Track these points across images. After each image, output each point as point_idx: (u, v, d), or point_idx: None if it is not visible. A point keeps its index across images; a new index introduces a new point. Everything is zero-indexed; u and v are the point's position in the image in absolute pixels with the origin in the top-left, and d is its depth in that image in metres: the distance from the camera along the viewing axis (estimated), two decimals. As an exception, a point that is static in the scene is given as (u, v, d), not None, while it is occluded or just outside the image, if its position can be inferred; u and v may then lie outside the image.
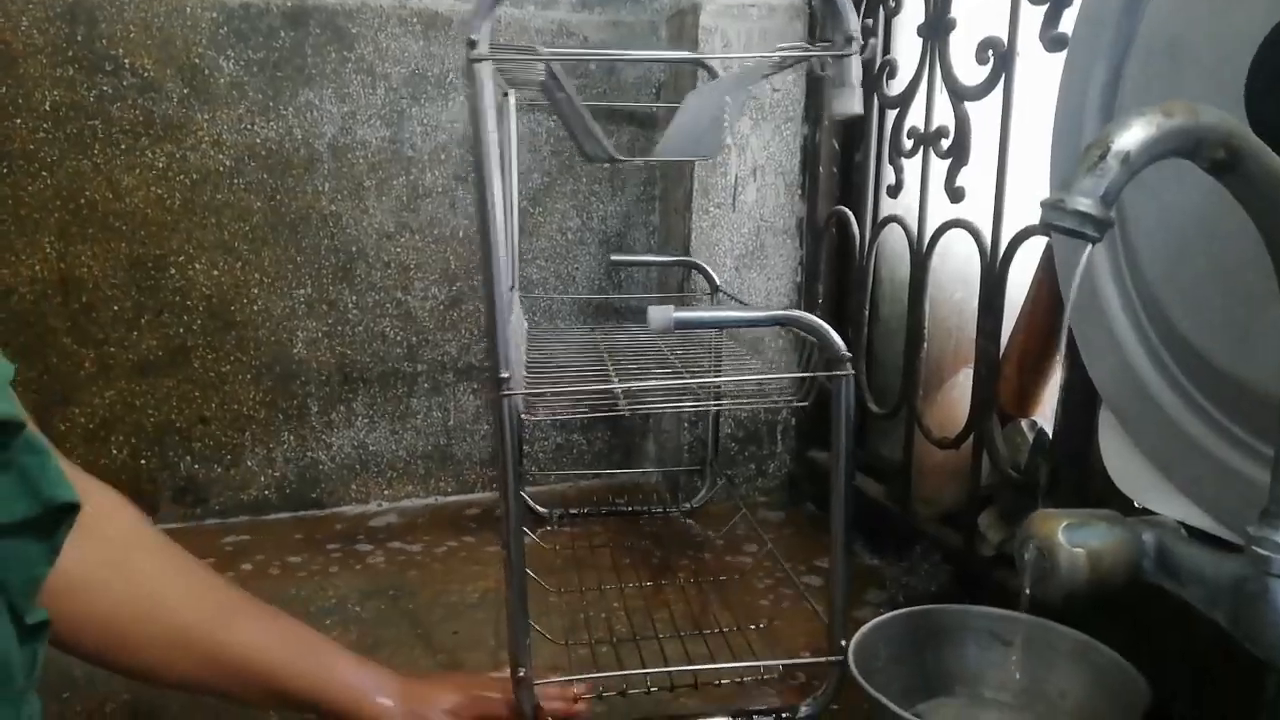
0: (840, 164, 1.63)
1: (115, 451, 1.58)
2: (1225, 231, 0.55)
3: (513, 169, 1.59)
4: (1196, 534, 0.62)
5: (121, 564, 0.78)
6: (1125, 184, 0.43)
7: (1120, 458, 0.70)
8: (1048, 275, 1.14)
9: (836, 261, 1.67)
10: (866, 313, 1.52)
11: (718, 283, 1.60)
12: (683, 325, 0.95)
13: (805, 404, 1.01)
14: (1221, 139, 0.44)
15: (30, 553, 0.55)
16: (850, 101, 0.88)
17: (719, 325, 1.24)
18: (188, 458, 1.62)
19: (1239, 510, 0.61)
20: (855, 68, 0.87)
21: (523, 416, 0.97)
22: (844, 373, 0.95)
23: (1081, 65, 0.74)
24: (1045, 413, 1.25)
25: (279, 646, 0.84)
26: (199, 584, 0.84)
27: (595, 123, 1.00)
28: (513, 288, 1.58)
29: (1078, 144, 0.74)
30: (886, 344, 1.61)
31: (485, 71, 0.88)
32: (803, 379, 0.98)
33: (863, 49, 0.88)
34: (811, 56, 0.91)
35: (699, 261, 1.62)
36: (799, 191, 1.68)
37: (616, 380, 1.12)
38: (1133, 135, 0.43)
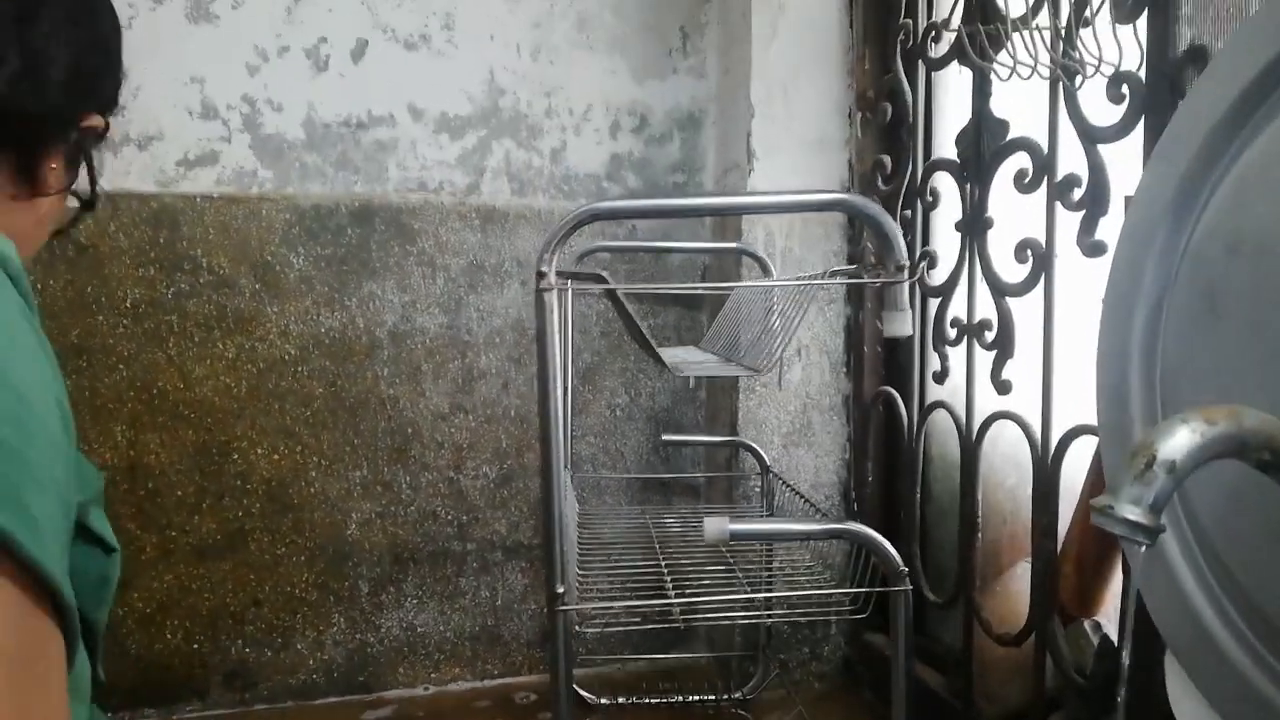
0: (884, 344, 1.66)
1: (169, 636, 1.60)
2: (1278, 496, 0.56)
3: (568, 353, 1.64)
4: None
5: None
6: (1173, 491, 0.44)
7: (1188, 707, 0.68)
8: (1101, 474, 1.13)
9: (884, 438, 1.67)
10: (918, 495, 1.50)
11: (768, 462, 1.61)
12: (737, 538, 0.95)
13: (864, 615, 0.99)
14: (1264, 442, 0.45)
15: None
16: (903, 324, 0.91)
17: (773, 539, 1.23)
18: (239, 641, 1.63)
19: (1323, 780, 0.58)
20: (905, 293, 0.90)
21: (577, 629, 0.97)
22: (902, 588, 0.94)
23: (1123, 305, 0.76)
24: (1108, 612, 1.21)
25: None
26: None
27: (652, 341, 1.04)
28: (565, 468, 1.60)
29: (1123, 390, 0.75)
30: (939, 522, 1.59)
31: (554, 299, 0.92)
32: (862, 592, 0.97)
33: (913, 273, 0.91)
34: (864, 283, 0.94)
35: (748, 441, 1.63)
36: (844, 370, 1.70)
37: (669, 580, 1.12)
38: (1178, 444, 0.44)
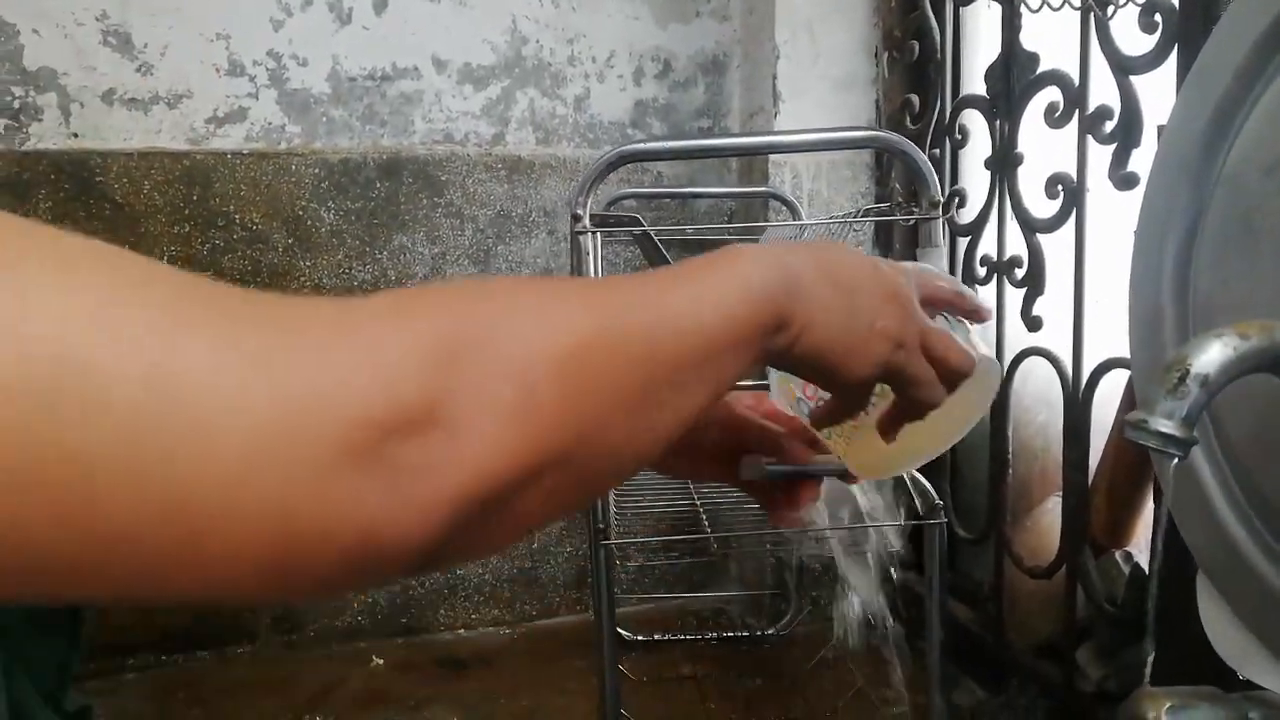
0: (913, 285, 1.65)
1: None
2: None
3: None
4: (1308, 710, 0.61)
5: None
6: (1206, 404, 0.45)
7: (1220, 624, 0.69)
8: (1133, 404, 1.13)
9: (914, 380, 1.68)
10: (947, 434, 1.51)
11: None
12: (774, 477, 0.97)
13: (897, 550, 1.02)
14: (1299, 356, 0.46)
15: (56, 647, 0.60)
16: (938, 261, 0.91)
17: (809, 475, 1.25)
18: (286, 587, 1.68)
19: (1351, 688, 0.60)
20: (940, 229, 0.91)
21: (618, 564, 1.00)
22: (937, 521, 0.96)
23: (1156, 232, 0.76)
24: (1140, 543, 1.23)
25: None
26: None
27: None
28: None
29: (1155, 317, 0.75)
30: (970, 459, 1.61)
31: (589, 242, 0.93)
32: (896, 526, 0.99)
33: (946, 209, 0.92)
34: (898, 220, 0.94)
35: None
36: (873, 312, 1.70)
37: (705, 518, 1.14)
38: (1210, 358, 0.45)
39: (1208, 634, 0.71)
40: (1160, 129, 1.04)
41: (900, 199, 1.59)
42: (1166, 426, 0.45)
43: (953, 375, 0.55)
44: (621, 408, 0.37)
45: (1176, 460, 0.46)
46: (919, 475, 0.99)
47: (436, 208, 1.68)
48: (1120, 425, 1.19)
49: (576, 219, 0.92)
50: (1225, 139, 0.69)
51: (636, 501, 1.29)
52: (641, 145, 0.92)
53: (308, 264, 1.64)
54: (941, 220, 0.90)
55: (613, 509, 1.06)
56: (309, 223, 1.63)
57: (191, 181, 1.59)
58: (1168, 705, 0.60)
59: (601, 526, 0.97)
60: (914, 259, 1.06)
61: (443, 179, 1.68)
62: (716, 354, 0.42)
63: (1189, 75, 0.74)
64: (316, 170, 1.63)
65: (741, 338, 0.43)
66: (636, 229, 0.95)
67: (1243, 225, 0.65)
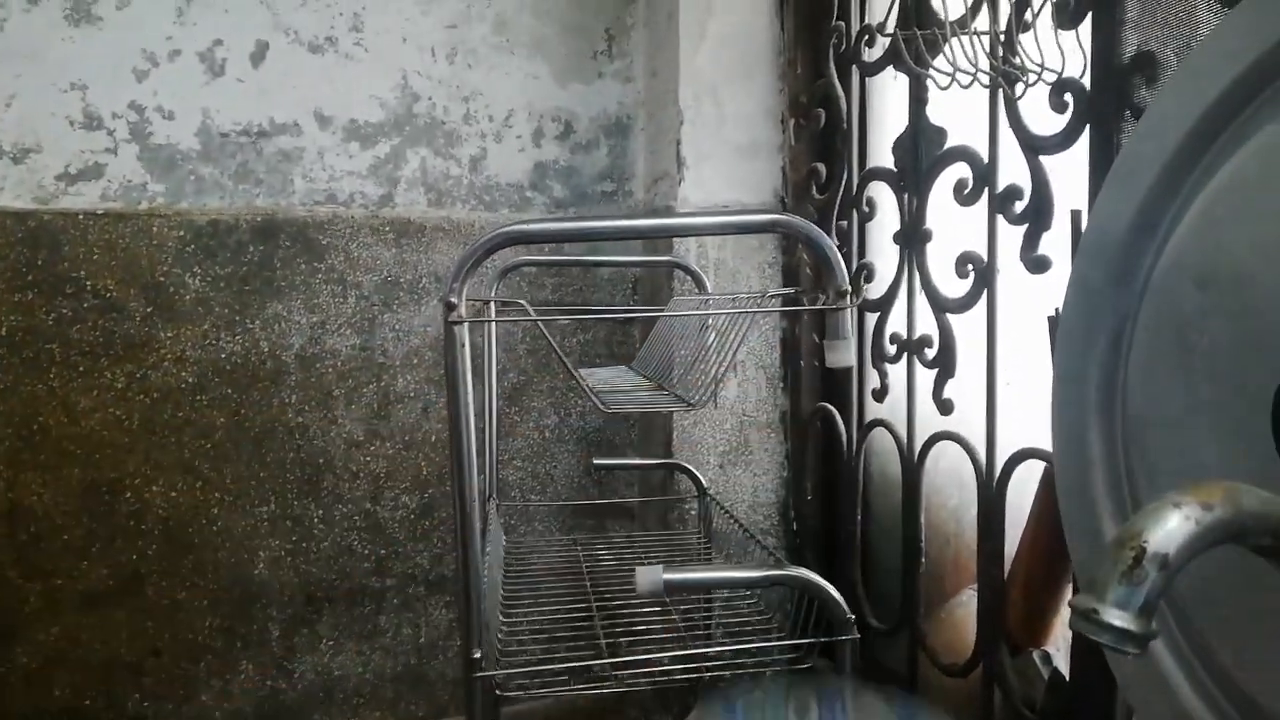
0: (822, 360, 1.59)
1: (58, 693, 1.46)
2: (1266, 576, 0.50)
3: (492, 374, 1.53)
4: None
5: None
6: (1166, 588, 0.37)
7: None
8: (1050, 497, 1.07)
9: (823, 456, 1.61)
10: (859, 515, 1.44)
11: (705, 485, 1.53)
12: (673, 589, 0.88)
13: (807, 666, 0.93)
14: (1266, 527, 0.39)
15: None
16: (845, 354, 0.84)
17: (711, 587, 1.16)
18: (136, 695, 1.50)
19: None
20: (848, 321, 0.84)
21: (499, 694, 0.88)
22: (848, 637, 0.88)
23: (1079, 333, 0.70)
24: (1058, 642, 1.17)
25: None
26: None
27: (579, 371, 0.95)
28: (491, 498, 1.51)
29: (1080, 417, 0.69)
30: (880, 542, 1.54)
31: (464, 333, 0.83)
32: (803, 642, 0.90)
33: (855, 297, 0.84)
34: (805, 310, 0.87)
35: (684, 464, 1.55)
36: (781, 385, 1.64)
37: (602, 634, 1.04)
38: (1170, 535, 0.37)
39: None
40: (1074, 213, 1.00)
41: (809, 270, 1.54)
42: (1121, 620, 0.37)
43: None
44: None
45: (1133, 658, 0.38)
46: (825, 584, 0.90)
47: (316, 273, 1.55)
48: (1037, 516, 1.13)
49: (450, 307, 0.81)
50: (1153, 239, 0.63)
51: (528, 604, 1.17)
52: (524, 226, 0.83)
53: (169, 335, 1.49)
54: (850, 310, 0.83)
55: (494, 633, 0.94)
56: (171, 289, 1.48)
57: (37, 244, 1.43)
58: None
59: (476, 656, 0.85)
60: (823, 348, 0.99)
61: (324, 242, 1.55)
62: None
63: (1114, 166, 0.69)
64: (181, 233, 1.49)
65: None
66: (525, 319, 0.85)
67: (1176, 339, 0.59)
